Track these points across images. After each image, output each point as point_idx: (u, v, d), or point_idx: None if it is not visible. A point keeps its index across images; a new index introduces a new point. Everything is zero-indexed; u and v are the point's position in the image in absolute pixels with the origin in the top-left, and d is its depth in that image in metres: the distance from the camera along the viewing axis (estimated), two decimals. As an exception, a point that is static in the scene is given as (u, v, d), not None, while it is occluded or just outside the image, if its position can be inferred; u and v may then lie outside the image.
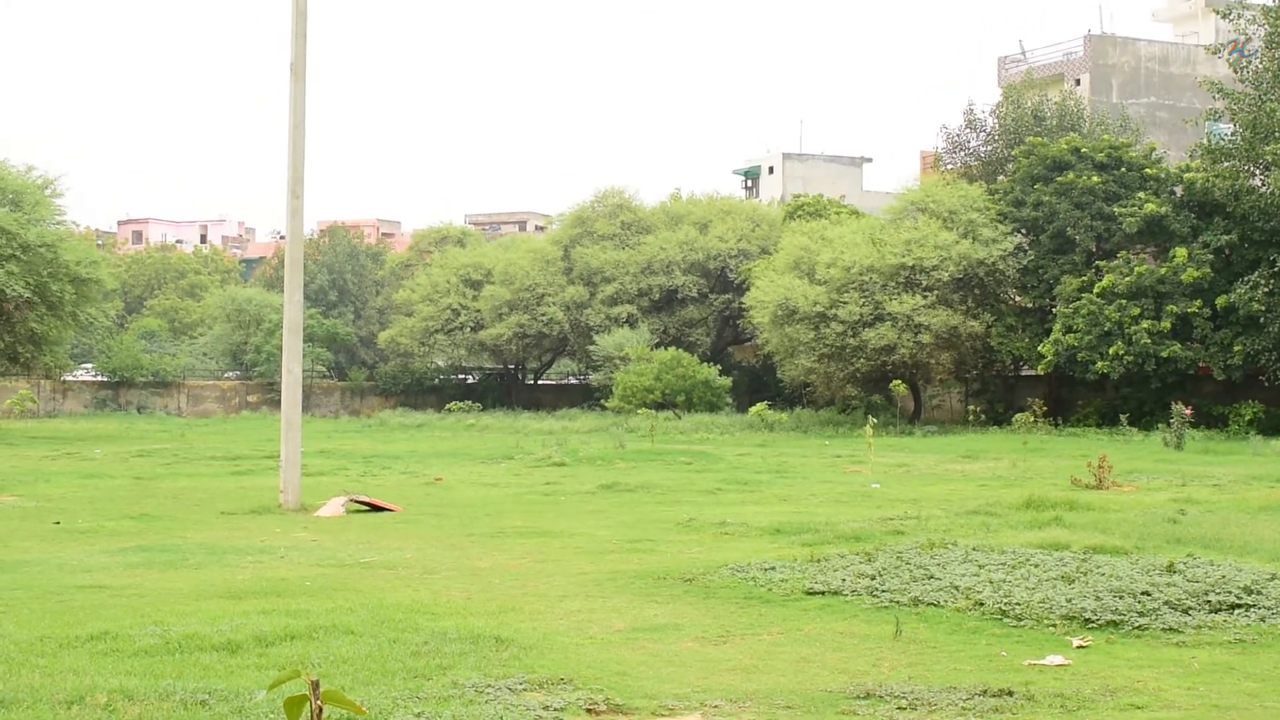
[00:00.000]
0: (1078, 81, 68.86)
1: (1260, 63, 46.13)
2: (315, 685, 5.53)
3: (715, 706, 8.96)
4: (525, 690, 9.25)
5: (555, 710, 8.63)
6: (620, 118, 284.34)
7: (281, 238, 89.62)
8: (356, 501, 22.85)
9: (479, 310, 69.59)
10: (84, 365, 73.50)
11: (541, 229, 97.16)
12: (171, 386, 72.15)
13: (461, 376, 76.57)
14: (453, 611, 12.37)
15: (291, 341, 24.32)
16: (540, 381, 78.02)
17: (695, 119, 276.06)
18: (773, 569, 14.42)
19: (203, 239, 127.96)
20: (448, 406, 65.44)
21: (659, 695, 9.23)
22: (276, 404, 35.17)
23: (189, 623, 11.50)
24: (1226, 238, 48.18)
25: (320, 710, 5.53)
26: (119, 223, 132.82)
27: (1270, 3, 45.96)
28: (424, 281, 72.48)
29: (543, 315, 67.59)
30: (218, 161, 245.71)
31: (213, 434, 50.60)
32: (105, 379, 71.11)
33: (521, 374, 76.70)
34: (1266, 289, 45.79)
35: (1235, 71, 46.86)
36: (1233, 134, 47.52)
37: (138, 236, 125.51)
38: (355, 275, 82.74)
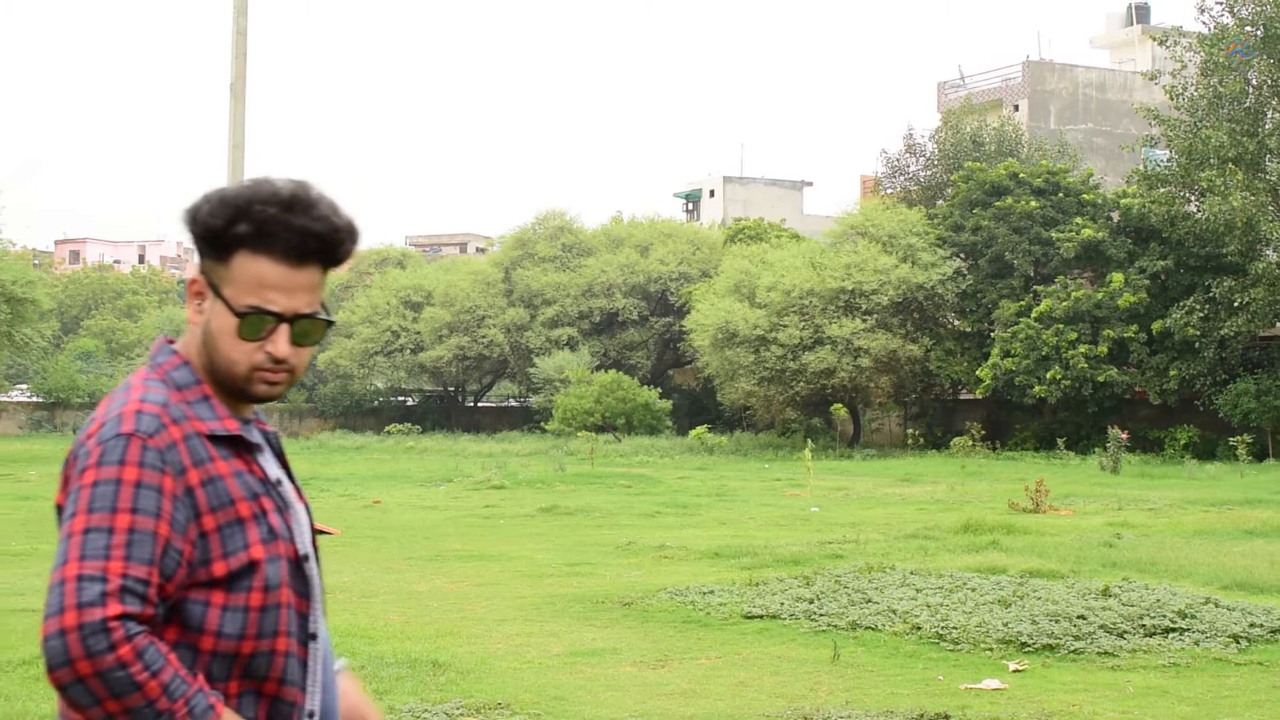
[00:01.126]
0: (1016, 107, 69.45)
1: (1195, 90, 46.61)
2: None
3: (653, 731, 8.94)
4: (462, 715, 9.22)
5: (492, 735, 8.59)
6: (562, 140, 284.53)
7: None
8: (294, 524, 22.70)
9: (419, 332, 69.44)
10: (19, 386, 72.92)
11: (482, 251, 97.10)
12: (108, 408, 71.58)
13: (401, 399, 76.36)
14: (390, 635, 12.31)
15: (229, 363, 24.15)
16: (480, 404, 77.88)
17: (637, 142, 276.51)
18: (712, 593, 14.42)
19: (141, 259, 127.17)
20: (387, 429, 65.26)
21: (597, 719, 9.22)
22: (214, 426, 35.22)
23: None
24: (1162, 263, 48.63)
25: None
26: (56, 242, 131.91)
27: (1206, 31, 46.46)
28: (364, 303, 72.29)
29: (483, 337, 67.51)
30: (156, 182, 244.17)
31: (149, 456, 50.13)
32: (40, 400, 70.56)
33: (461, 396, 76.56)
34: (1201, 314, 46.22)
35: (1171, 99, 47.32)
36: (1168, 160, 47.98)
37: (75, 256, 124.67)
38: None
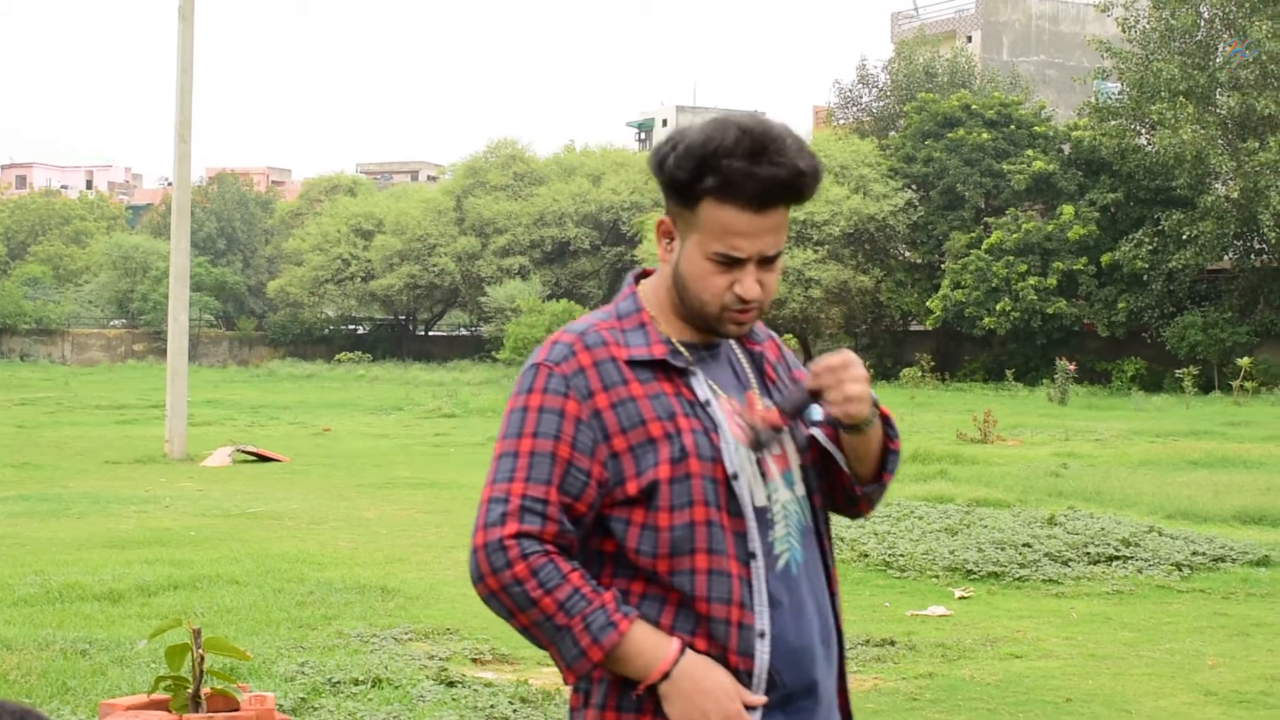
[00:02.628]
0: (969, 39, 69.42)
1: (1147, 23, 46.69)
2: (197, 634, 5.48)
3: (601, 656, 8.97)
4: (411, 640, 9.23)
5: (441, 660, 8.61)
6: (515, 68, 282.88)
7: (169, 184, 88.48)
8: (243, 451, 22.67)
9: (370, 260, 69.10)
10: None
11: (434, 179, 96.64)
12: (55, 334, 71.12)
13: (352, 327, 76.07)
14: (339, 562, 12.32)
15: (178, 290, 24.05)
16: (431, 333, 77.69)
17: (589, 71, 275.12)
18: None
19: (89, 185, 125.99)
20: (337, 357, 65.09)
21: (545, 645, 9.23)
22: (163, 353, 34.78)
23: (70, 572, 11.36)
24: (1112, 196, 48.82)
25: (202, 659, 5.48)
26: (2, 167, 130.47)
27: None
28: (314, 231, 71.84)
29: (434, 266, 67.24)
30: (104, 106, 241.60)
31: (98, 383, 49.97)
32: (-14, 326, 69.94)
33: (412, 325, 76.35)
34: (1150, 247, 46.44)
35: (1124, 31, 47.40)
36: (1120, 93, 48.10)
37: (21, 181, 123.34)
38: (244, 223, 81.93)
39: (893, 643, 9.29)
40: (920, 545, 12.48)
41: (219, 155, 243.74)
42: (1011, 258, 48.54)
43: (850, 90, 60.37)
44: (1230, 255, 47.08)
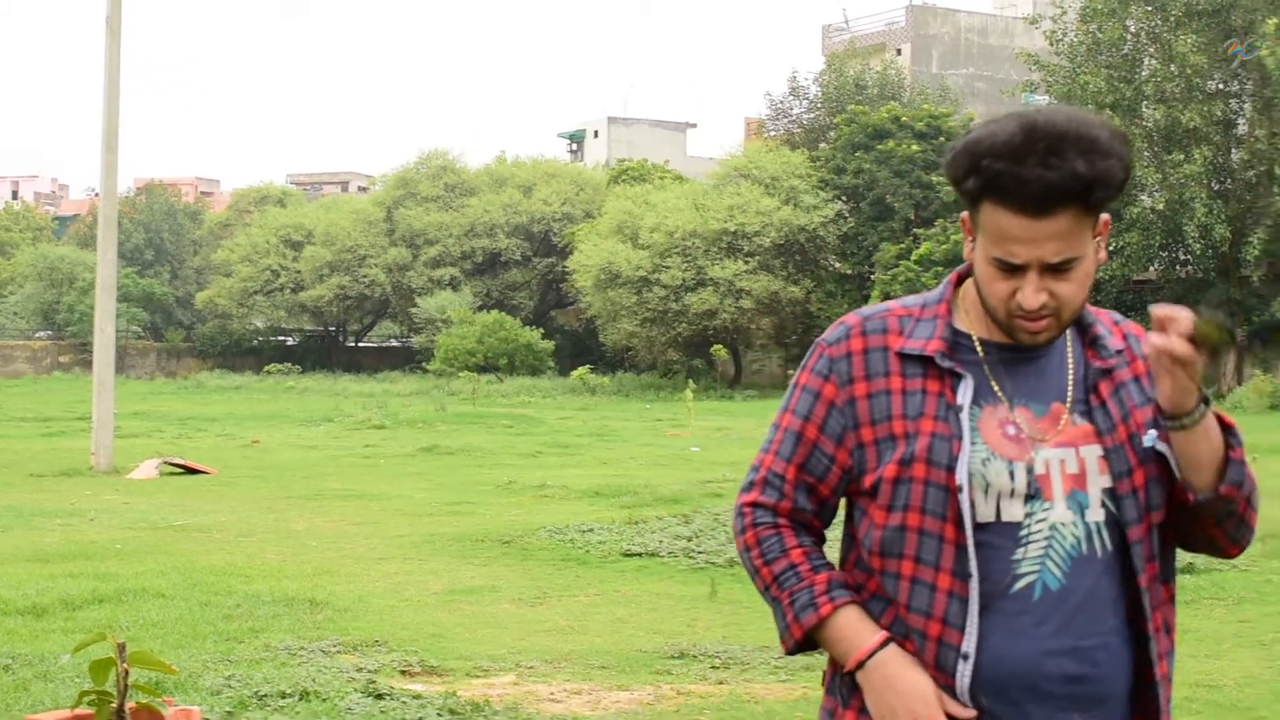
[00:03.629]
0: (899, 51, 69.79)
1: (1075, 36, 47.08)
2: (122, 648, 5.42)
3: (530, 667, 8.96)
4: (339, 653, 9.18)
5: (369, 672, 8.56)
6: (446, 78, 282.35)
7: (96, 195, 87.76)
8: (171, 464, 22.47)
9: (299, 271, 68.77)
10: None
11: (364, 190, 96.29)
12: (-20, 346, 70.34)
13: (281, 338, 75.65)
14: (267, 574, 12.23)
15: (105, 301, 23.84)
16: (361, 344, 77.40)
17: (521, 81, 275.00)
18: (591, 531, 14.46)
19: (14, 195, 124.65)
20: (266, 368, 64.65)
21: (474, 657, 9.21)
22: (89, 365, 34.37)
23: (-7, 586, 11.23)
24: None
25: (127, 673, 5.42)
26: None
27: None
28: (243, 242, 71.44)
29: (364, 277, 67.01)
30: (31, 116, 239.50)
31: (23, 395, 49.47)
32: (-89, 337, 69.11)
33: (342, 336, 76.01)
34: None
35: (1051, 44, 47.78)
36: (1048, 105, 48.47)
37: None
38: (173, 234, 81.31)
39: (822, 652, 9.27)
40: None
41: (147, 166, 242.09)
42: (941, 269, 48.76)
43: (781, 102, 60.65)
44: (1156, 266, 47.51)
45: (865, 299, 51.39)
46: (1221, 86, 46.70)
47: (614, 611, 10.81)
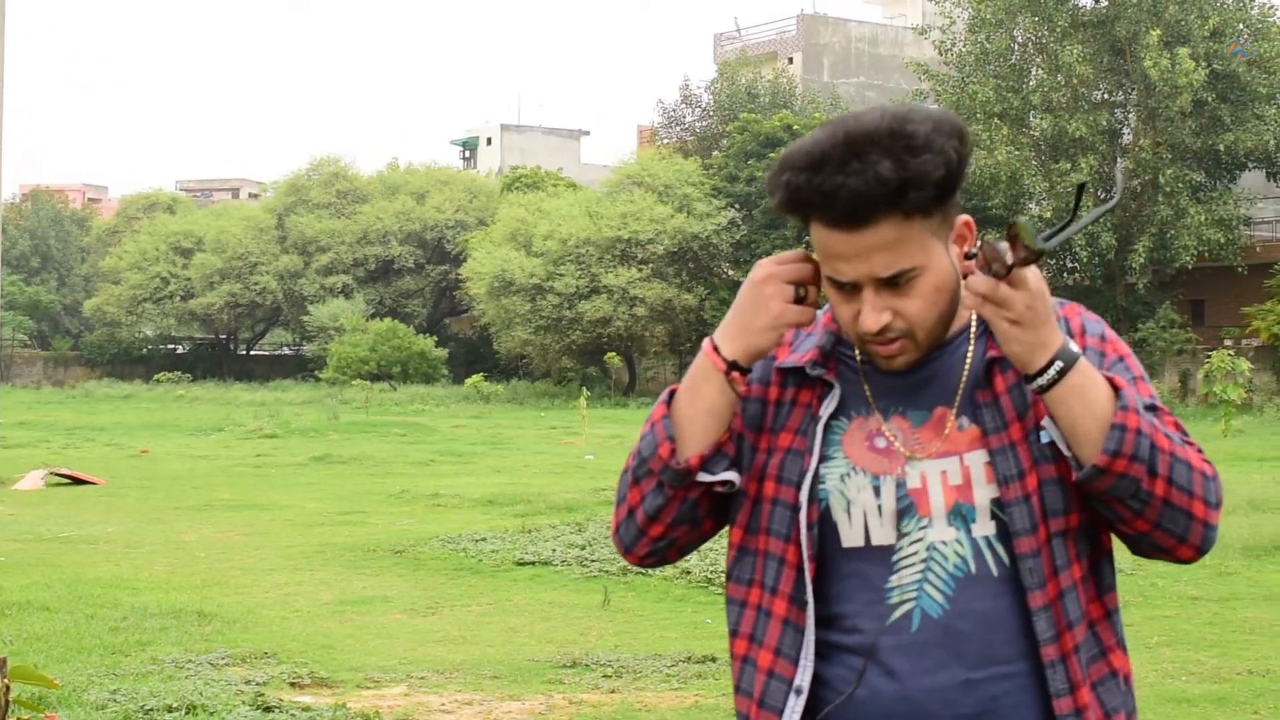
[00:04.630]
0: (790, 60, 70.22)
1: (963, 46, 47.64)
2: (3, 662, 5.34)
3: (421, 678, 8.92)
4: (227, 665, 9.09)
5: (258, 684, 8.49)
6: (337, 85, 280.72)
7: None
8: (57, 474, 22.14)
9: (189, 279, 68.09)
10: None
11: (255, 196, 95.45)
12: None
13: (171, 346, 74.88)
14: (155, 586, 12.10)
15: (-12, 309, 23.47)
16: (253, 352, 76.76)
17: (413, 88, 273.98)
18: (484, 540, 14.43)
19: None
20: (156, 377, 63.94)
21: (365, 668, 9.16)
22: (-26, 374, 33.98)
23: (-128, 601, 11.03)
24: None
25: (8, 688, 5.34)
26: None
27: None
28: (132, 249, 70.61)
29: (255, 284, 66.47)
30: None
31: (-95, 405, 48.60)
32: None
33: (234, 344, 75.35)
34: (967, 264, 47.28)
35: (940, 54, 48.32)
36: (937, 114, 48.96)
37: None
38: (59, 241, 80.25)
39: (714, 659, 9.32)
40: (742, 562, 12.53)
41: (32, 172, 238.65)
42: (833, 276, 49.11)
43: (674, 110, 60.86)
44: (1045, 273, 48.04)
45: (758, 306, 51.55)
46: (1107, 96, 47.51)
47: (506, 621, 10.79)
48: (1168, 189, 44.73)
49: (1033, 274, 2.35)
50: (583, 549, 13.62)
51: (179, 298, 68.75)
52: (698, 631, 10.36)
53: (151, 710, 7.81)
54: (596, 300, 51.42)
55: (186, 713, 7.79)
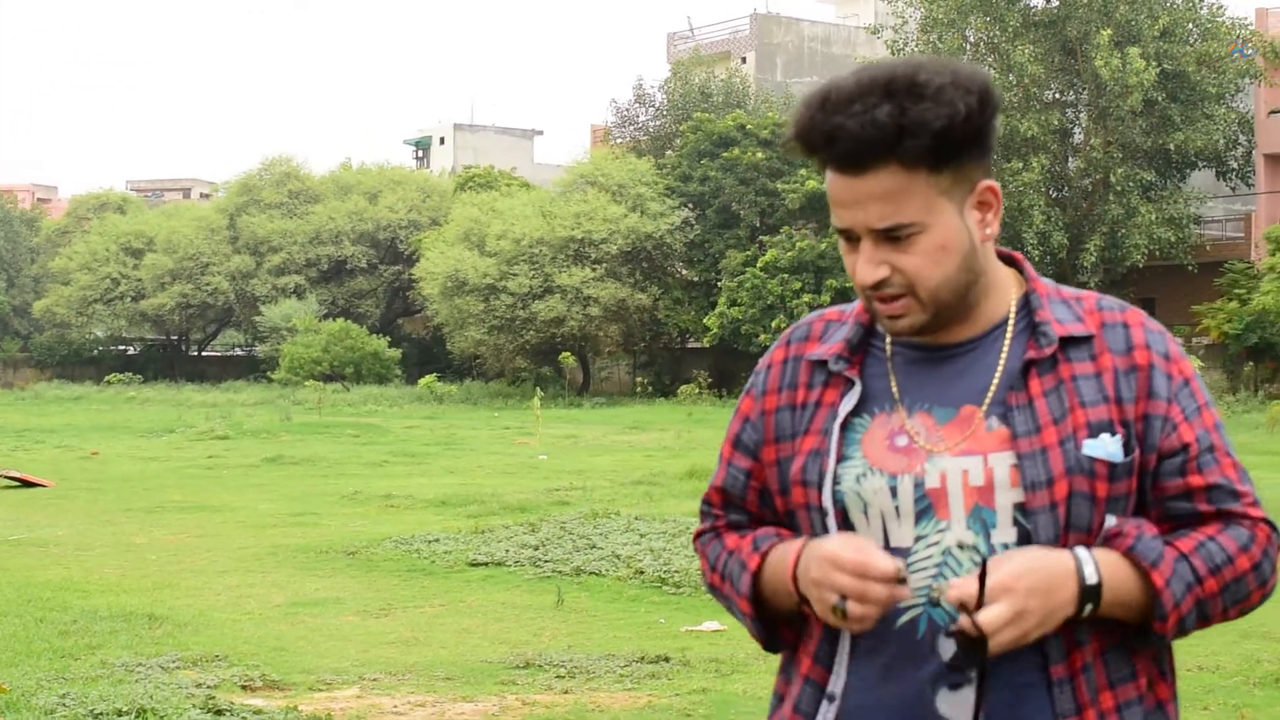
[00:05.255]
0: (744, 59, 70.31)
1: (915, 45, 47.80)
2: (-54, 668, 5.30)
3: (374, 680, 8.88)
4: (178, 668, 9.03)
5: (209, 688, 8.43)
6: (290, 84, 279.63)
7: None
8: (6, 476, 21.97)
9: (140, 280, 67.69)
10: None
11: (207, 196, 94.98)
12: None
13: (122, 348, 74.41)
14: (105, 589, 12.02)
15: (-64, 310, 23.27)
16: (205, 353, 76.37)
17: (366, 87, 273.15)
18: (437, 541, 14.39)
19: None
20: (107, 379, 63.56)
21: (317, 670, 9.12)
22: (-78, 376, 33.69)
23: None
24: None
25: (-47, 694, 5.31)
26: None
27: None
28: (82, 249, 70.14)
29: (207, 285, 66.14)
30: None
31: None
32: None
33: (185, 345, 74.95)
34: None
35: (892, 54, 48.46)
36: (890, 114, 49.13)
37: None
38: (8, 242, 79.64)
39: (667, 659, 9.32)
40: (695, 562, 12.54)
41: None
42: (786, 275, 49.24)
43: (627, 109, 60.82)
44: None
45: (712, 305, 51.74)
46: (1058, 96, 47.77)
47: (460, 622, 10.76)
48: (1119, 188, 45.01)
49: (1006, 578, 2.25)
50: (536, 549, 13.60)
51: (130, 298, 68.35)
52: (651, 631, 10.35)
53: (101, 714, 7.75)
54: (550, 300, 51.39)
55: (137, 716, 7.73)
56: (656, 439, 31.89)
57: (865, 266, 2.37)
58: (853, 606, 2.28)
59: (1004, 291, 2.48)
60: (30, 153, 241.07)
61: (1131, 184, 45.10)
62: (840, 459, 2.45)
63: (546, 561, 13.03)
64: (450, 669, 9.19)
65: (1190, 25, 46.06)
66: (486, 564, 13.14)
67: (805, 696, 2.47)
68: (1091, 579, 2.29)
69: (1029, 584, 2.25)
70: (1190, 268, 47.10)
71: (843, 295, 49.00)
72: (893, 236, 2.35)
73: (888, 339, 2.51)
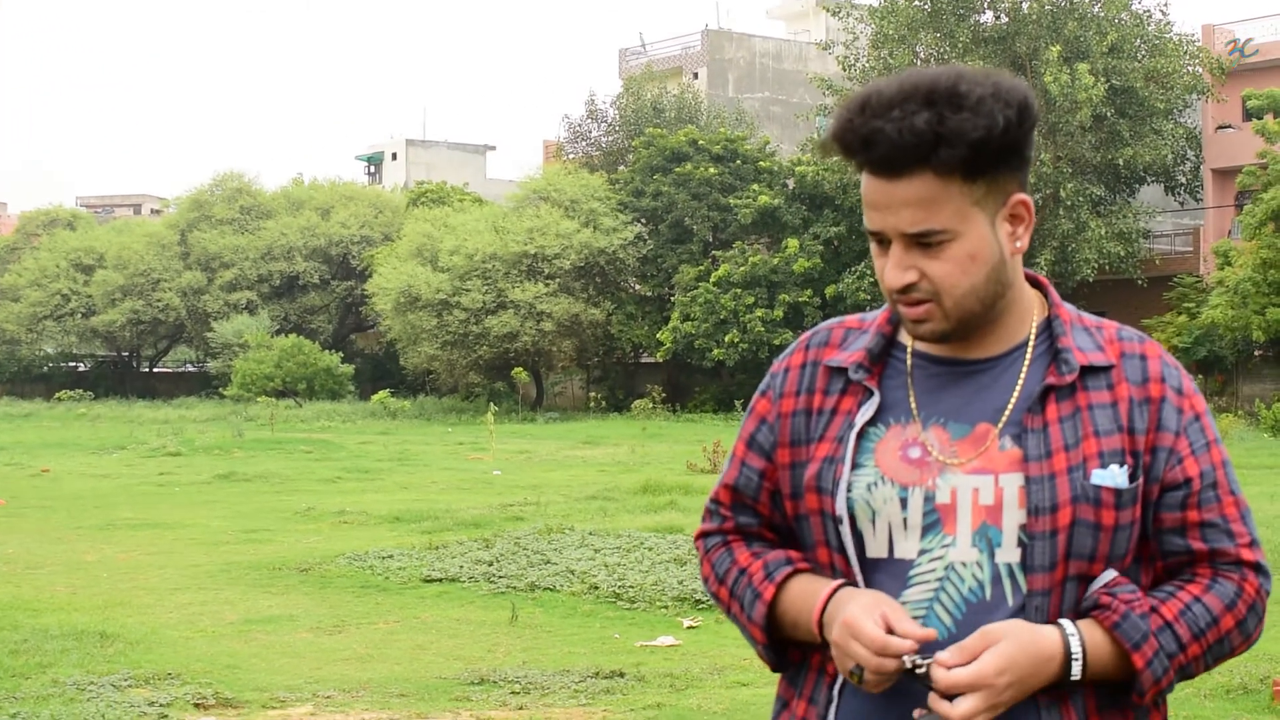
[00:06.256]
0: (695, 75, 70.45)
1: (866, 61, 48.01)
2: (-104, 688, 5.27)
3: (328, 697, 8.86)
4: (130, 687, 8.98)
5: (161, 706, 8.40)
6: (240, 100, 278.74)
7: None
8: (-45, 495, 21.83)
9: (91, 296, 67.34)
10: None
11: (158, 212, 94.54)
12: None
13: (72, 364, 73.94)
14: (56, 607, 11.93)
15: (-116, 327, 23.09)
16: (156, 369, 75.99)
17: (317, 103, 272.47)
18: (391, 557, 14.35)
19: None
20: (57, 395, 63.14)
21: (270, 687, 9.08)
22: None
23: None
24: (835, 229, 50.05)
25: (-97, 714, 5.27)
26: None
27: (876, 4, 47.92)
28: (31, 265, 69.74)
29: (158, 301, 65.84)
30: None
31: None
32: None
33: (136, 362, 74.56)
34: (872, 279, 47.66)
35: (844, 69, 48.67)
36: (841, 130, 49.33)
37: None
38: (-44, 259, 79.08)
39: (622, 674, 9.33)
40: (650, 576, 12.57)
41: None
42: (739, 290, 49.35)
43: (580, 125, 60.85)
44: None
45: (665, 320, 51.82)
46: (1008, 111, 47.89)
47: (414, 638, 10.74)
48: (1068, 203, 45.29)
49: (988, 671, 2.29)
50: (490, 565, 13.58)
51: (80, 315, 67.99)
52: (606, 647, 10.35)
53: (52, 733, 7.70)
54: (503, 315, 51.36)
55: (88, 735, 7.69)
56: (610, 454, 31.88)
57: (894, 270, 2.40)
58: (869, 675, 2.33)
59: (1027, 312, 2.51)
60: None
61: (1081, 199, 45.40)
62: (853, 467, 2.48)
63: (501, 577, 13.01)
64: (404, 685, 9.17)
65: (1138, 41, 46.43)
66: (441, 580, 13.11)
67: (819, 690, 2.52)
68: (1076, 674, 2.35)
69: (1009, 679, 2.31)
70: (1140, 282, 47.45)
71: (795, 310, 49.17)
72: (923, 243, 2.37)
73: (909, 350, 2.53)
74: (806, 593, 2.48)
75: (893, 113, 2.31)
